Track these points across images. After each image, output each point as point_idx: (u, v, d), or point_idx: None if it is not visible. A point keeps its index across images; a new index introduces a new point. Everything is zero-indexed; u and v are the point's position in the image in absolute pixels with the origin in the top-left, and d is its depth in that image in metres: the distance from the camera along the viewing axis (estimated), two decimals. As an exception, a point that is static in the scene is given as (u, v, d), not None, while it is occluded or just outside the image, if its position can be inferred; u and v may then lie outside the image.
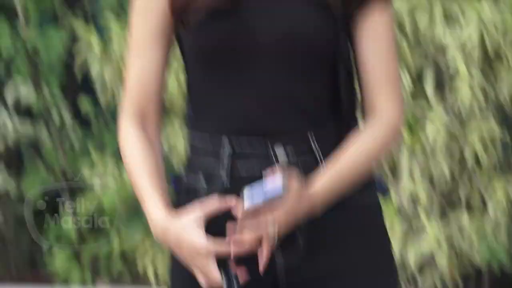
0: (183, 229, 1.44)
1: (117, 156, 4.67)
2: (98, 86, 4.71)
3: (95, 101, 4.92)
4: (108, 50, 4.69)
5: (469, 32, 4.24)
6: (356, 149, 1.58)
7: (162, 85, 1.67)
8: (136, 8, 1.64)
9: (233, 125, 1.58)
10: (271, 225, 1.44)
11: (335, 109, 1.61)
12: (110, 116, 5.09)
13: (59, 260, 5.10)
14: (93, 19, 5.25)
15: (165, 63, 1.68)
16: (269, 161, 1.54)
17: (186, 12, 1.55)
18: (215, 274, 1.40)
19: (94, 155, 4.83)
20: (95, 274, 5.29)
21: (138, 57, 1.66)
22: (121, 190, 4.71)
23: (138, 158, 1.58)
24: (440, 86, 4.44)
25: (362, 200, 1.60)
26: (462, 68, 4.20)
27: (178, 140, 4.29)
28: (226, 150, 1.58)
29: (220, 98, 1.61)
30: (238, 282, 1.40)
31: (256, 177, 1.50)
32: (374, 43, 1.61)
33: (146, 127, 1.63)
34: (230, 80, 1.58)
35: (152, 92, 1.66)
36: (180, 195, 1.58)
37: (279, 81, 1.58)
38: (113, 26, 4.70)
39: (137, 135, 1.62)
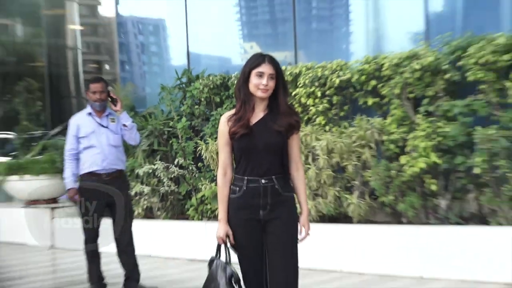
0: (222, 226, 3.51)
1: (211, 181, 7.56)
2: (204, 157, 7.54)
3: (202, 162, 7.71)
4: (208, 147, 7.47)
5: (323, 143, 6.63)
6: (302, 185, 3.55)
7: (232, 158, 3.45)
8: (219, 136, 3.55)
9: (249, 173, 3.46)
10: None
11: (282, 167, 3.46)
12: (209, 167, 7.66)
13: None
14: (203, 137, 8.16)
15: (232, 152, 3.50)
16: (259, 183, 3.43)
17: (234, 135, 3.45)
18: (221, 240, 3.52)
19: (203, 179, 7.40)
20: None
21: (222, 151, 3.52)
22: (212, 190, 7.02)
23: (222, 188, 3.58)
24: (315, 161, 6.78)
25: (290, 194, 3.56)
26: (322, 155, 6.58)
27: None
28: (245, 181, 3.47)
29: (245, 164, 3.48)
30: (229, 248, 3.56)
31: (254, 187, 3.43)
32: (295, 146, 3.51)
33: (227, 174, 3.56)
34: (248, 158, 3.45)
35: (229, 162, 3.51)
36: (230, 191, 3.50)
37: (266, 159, 3.40)
38: (209, 139, 7.51)
39: (222, 179, 3.58)
